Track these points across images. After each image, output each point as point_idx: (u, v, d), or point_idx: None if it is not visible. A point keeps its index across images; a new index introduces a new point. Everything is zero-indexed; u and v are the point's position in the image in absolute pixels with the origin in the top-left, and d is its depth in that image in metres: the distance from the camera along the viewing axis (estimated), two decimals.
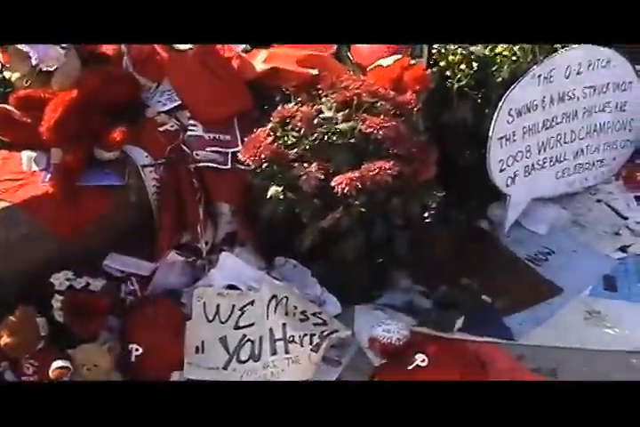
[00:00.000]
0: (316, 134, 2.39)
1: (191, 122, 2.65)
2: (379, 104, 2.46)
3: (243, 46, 2.87)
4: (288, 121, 2.44)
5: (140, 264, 2.60)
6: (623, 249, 3.09)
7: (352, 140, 2.37)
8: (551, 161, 3.14)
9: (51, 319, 2.42)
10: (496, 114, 2.80)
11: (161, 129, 2.62)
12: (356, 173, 2.29)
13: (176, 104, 2.68)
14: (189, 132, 2.64)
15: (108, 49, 2.75)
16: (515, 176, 2.98)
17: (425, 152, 2.49)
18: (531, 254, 3.02)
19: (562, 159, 3.18)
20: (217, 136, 2.63)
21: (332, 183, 2.30)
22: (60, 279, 2.44)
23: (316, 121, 2.40)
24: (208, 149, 2.61)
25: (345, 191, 2.28)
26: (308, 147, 2.40)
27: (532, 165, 3.06)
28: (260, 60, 2.76)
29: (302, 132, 2.40)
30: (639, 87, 3.34)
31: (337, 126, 2.39)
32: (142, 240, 2.61)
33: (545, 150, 3.08)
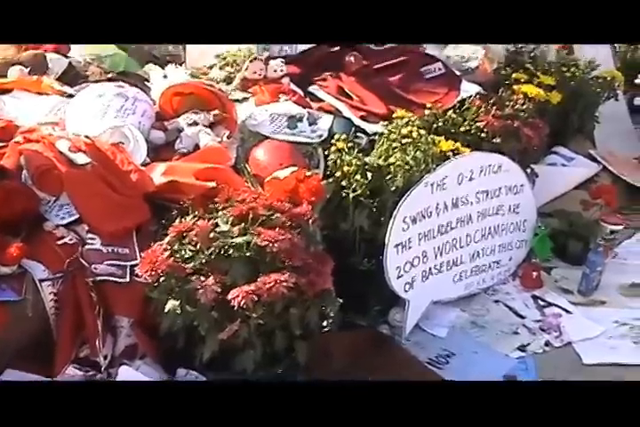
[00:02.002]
0: (212, 248, 2.41)
1: (89, 235, 2.64)
2: (274, 217, 2.50)
3: (143, 159, 2.91)
4: (185, 235, 2.46)
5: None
6: (522, 348, 3.15)
7: (248, 254, 2.40)
8: (448, 265, 3.22)
9: None
10: (391, 221, 2.87)
11: (59, 243, 2.60)
12: (253, 286, 2.31)
13: (74, 218, 2.67)
14: (88, 246, 2.62)
15: (6, 162, 2.76)
16: (412, 281, 3.04)
17: (321, 263, 2.53)
18: (432, 357, 3.05)
19: (459, 262, 3.27)
20: (115, 249, 2.62)
21: (229, 296, 2.32)
22: None
23: (212, 235, 2.42)
24: (106, 262, 2.59)
25: (242, 304, 2.29)
26: (204, 261, 2.41)
27: (430, 269, 3.13)
28: (159, 173, 2.79)
29: (199, 246, 2.42)
30: (530, 189, 3.49)
31: (233, 240, 2.41)
32: (40, 355, 2.56)
33: (441, 255, 3.17)
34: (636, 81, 5.53)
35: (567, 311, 3.40)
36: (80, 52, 3.84)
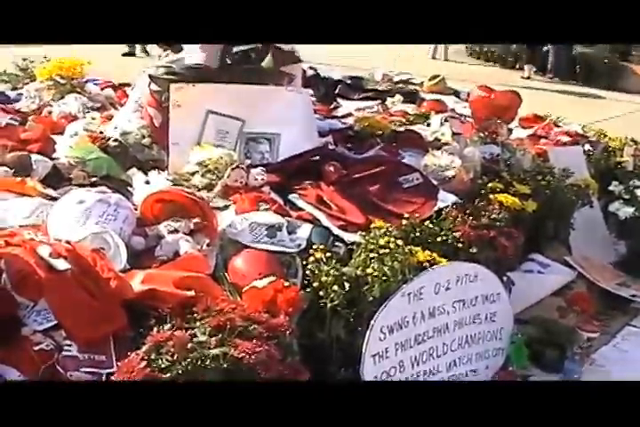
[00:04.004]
0: (189, 359, 2.41)
1: (67, 342, 2.63)
2: (252, 328, 2.52)
3: (123, 265, 2.93)
4: (162, 345, 2.46)
5: None
6: None
7: (225, 365, 2.41)
8: (425, 374, 3.21)
9: None
10: (368, 332, 2.90)
11: (36, 348, 2.59)
12: None
13: (52, 324, 2.67)
14: (64, 353, 2.61)
15: None
16: None
17: (296, 374, 2.54)
18: None
19: (435, 372, 3.26)
20: (92, 356, 2.61)
21: None
22: None
23: (189, 346, 2.43)
24: (82, 369, 2.58)
25: None
26: (181, 371, 2.41)
27: (407, 379, 3.13)
28: (138, 281, 2.81)
29: (175, 356, 2.42)
30: (506, 298, 3.52)
31: (210, 351, 2.42)
32: None
33: (418, 364, 3.17)
34: (610, 187, 5.63)
35: None
36: (64, 155, 3.90)
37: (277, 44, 4.18)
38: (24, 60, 5.89)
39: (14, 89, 5.61)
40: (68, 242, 2.89)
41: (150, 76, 4.13)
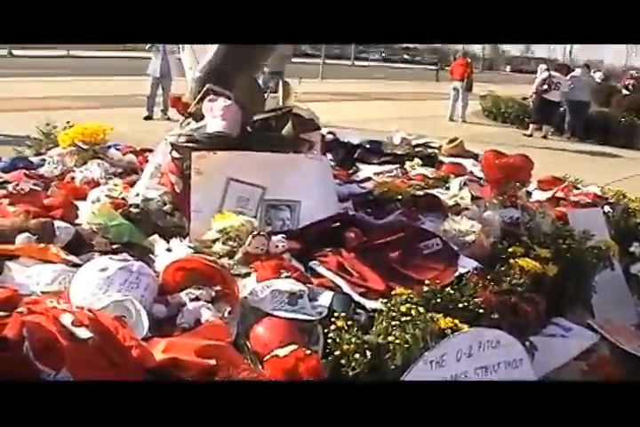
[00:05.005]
0: None
1: None
2: None
3: (144, 333, 2.94)
4: None
5: None
6: None
7: None
8: None
9: None
10: None
11: None
12: None
13: None
14: None
15: (8, 333, 2.78)
16: None
17: None
18: None
19: None
20: None
21: None
22: None
23: None
24: None
25: None
26: None
27: None
28: (160, 350, 2.81)
29: None
30: (529, 363, 3.49)
31: None
32: None
33: None
34: (631, 249, 5.62)
35: None
36: (87, 221, 3.93)
37: (297, 112, 4.26)
38: (47, 124, 5.98)
39: (38, 154, 5.70)
40: (89, 310, 2.90)
41: (172, 144, 4.20)
